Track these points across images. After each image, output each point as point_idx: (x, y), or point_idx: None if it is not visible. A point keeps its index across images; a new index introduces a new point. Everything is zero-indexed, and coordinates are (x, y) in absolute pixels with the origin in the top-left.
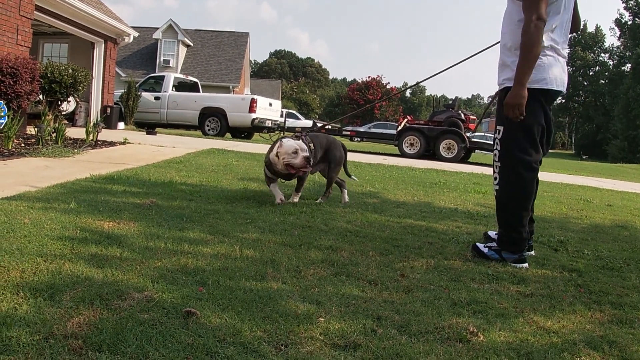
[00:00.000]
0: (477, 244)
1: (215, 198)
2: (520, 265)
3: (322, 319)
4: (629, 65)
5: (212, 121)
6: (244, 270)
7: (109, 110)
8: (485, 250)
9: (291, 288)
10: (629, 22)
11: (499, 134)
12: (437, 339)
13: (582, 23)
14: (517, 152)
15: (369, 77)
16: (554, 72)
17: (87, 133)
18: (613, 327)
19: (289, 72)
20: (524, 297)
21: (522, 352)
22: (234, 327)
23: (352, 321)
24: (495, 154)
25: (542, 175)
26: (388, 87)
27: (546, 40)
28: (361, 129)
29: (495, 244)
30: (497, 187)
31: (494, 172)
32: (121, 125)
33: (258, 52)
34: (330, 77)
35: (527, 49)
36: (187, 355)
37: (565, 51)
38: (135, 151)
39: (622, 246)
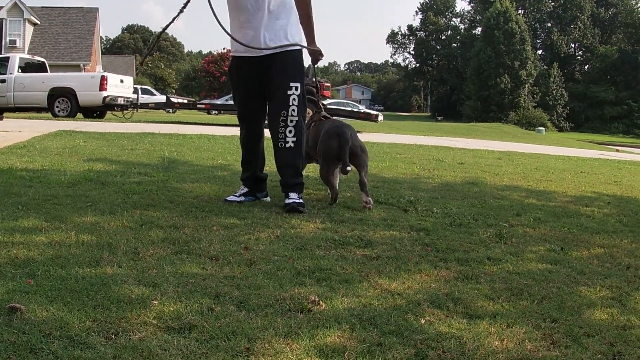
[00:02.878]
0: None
1: (56, 183)
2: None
3: (156, 302)
4: (479, 29)
5: (62, 102)
6: (78, 257)
7: None
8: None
9: (127, 272)
10: None
11: (296, 90)
12: (277, 312)
13: None
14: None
15: (224, 48)
16: None
17: None
18: (458, 283)
19: (143, 47)
20: (369, 260)
21: (365, 317)
22: (61, 319)
23: (188, 301)
24: (294, 109)
25: (396, 138)
26: None
27: None
28: (218, 102)
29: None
30: (294, 139)
31: (287, 125)
32: None
33: (109, 28)
34: (186, 50)
35: (311, 13)
36: (9, 355)
37: None
38: None
39: (471, 202)
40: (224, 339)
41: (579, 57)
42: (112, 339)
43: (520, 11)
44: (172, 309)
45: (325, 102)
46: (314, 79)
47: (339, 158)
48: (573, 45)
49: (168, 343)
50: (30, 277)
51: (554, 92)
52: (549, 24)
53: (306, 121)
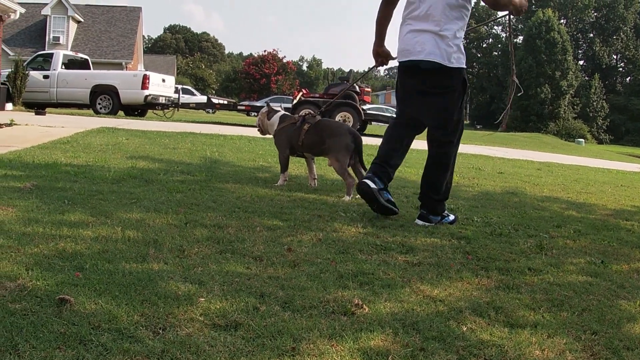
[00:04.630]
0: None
1: (100, 178)
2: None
3: (203, 299)
4: (521, 38)
5: (104, 99)
6: (125, 252)
7: None
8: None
9: (173, 268)
10: None
11: None
12: (321, 313)
13: None
14: None
15: (265, 51)
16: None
17: None
18: (500, 292)
19: (184, 48)
20: (411, 266)
21: (408, 322)
22: (109, 312)
23: (234, 300)
24: None
25: None
26: (284, 60)
27: None
28: (257, 104)
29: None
30: None
31: None
32: (9, 106)
33: (152, 27)
34: (227, 51)
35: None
36: (59, 345)
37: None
38: (21, 133)
39: (511, 212)
40: (269, 338)
41: (621, 69)
42: (160, 333)
43: (562, 21)
44: (218, 307)
45: (365, 107)
46: (355, 84)
47: (358, 152)
48: (615, 57)
49: (215, 340)
50: (79, 270)
51: (595, 103)
52: (591, 35)
53: (299, 121)
